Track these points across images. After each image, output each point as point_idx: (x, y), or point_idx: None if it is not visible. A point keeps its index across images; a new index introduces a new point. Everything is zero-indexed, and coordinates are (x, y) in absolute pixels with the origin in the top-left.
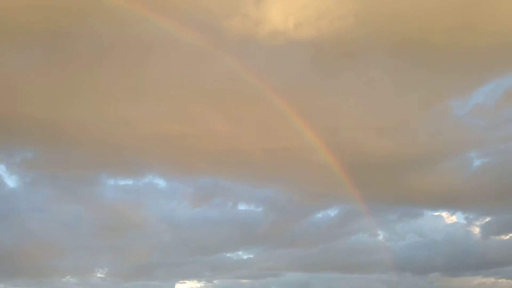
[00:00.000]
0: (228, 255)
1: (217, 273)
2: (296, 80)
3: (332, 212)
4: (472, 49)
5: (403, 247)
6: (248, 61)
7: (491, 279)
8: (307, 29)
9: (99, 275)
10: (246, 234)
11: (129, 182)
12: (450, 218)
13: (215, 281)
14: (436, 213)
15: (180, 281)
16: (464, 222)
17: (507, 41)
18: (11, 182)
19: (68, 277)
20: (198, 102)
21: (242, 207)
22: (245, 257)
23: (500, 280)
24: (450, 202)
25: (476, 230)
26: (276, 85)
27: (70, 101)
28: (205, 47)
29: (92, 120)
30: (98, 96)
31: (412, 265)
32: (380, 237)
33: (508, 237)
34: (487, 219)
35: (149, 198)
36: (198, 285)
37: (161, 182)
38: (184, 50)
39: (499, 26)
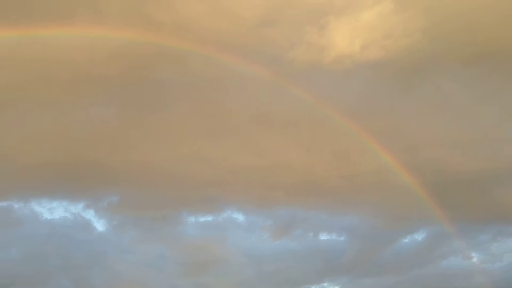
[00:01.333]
0: (313, 287)
1: None
2: (367, 101)
3: (419, 236)
4: None
5: (501, 268)
6: (316, 88)
7: None
8: (374, 49)
9: None
10: (330, 265)
11: (209, 218)
12: None
13: None
14: None
15: None
16: None
17: None
18: (99, 226)
19: None
20: (271, 134)
21: (323, 237)
22: None
23: None
24: None
25: None
26: (347, 109)
27: (148, 144)
28: (272, 79)
29: (170, 160)
30: (174, 137)
31: None
32: (474, 259)
33: None
34: None
35: (229, 233)
36: None
37: (239, 216)
38: (253, 84)
39: None
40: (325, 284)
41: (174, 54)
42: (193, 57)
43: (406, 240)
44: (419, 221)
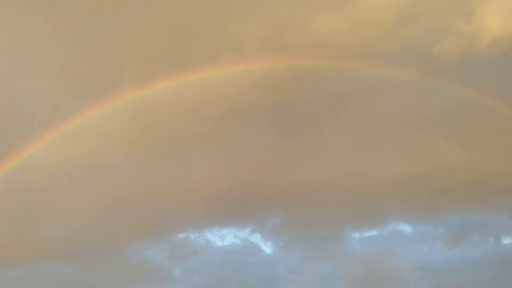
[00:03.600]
0: None
1: None
2: None
3: None
4: None
5: None
6: (472, 80)
7: None
8: None
9: None
10: None
11: (374, 232)
12: None
13: None
14: None
15: None
16: None
17: None
18: (267, 248)
19: None
20: (428, 136)
21: (506, 240)
22: None
23: None
24: None
25: None
26: (510, 96)
27: (303, 165)
28: (421, 79)
29: (327, 177)
30: (327, 154)
31: None
32: None
33: None
34: None
35: (398, 246)
36: None
37: (406, 228)
38: (400, 88)
39: None
40: None
41: (314, 73)
42: (334, 72)
43: None
44: None
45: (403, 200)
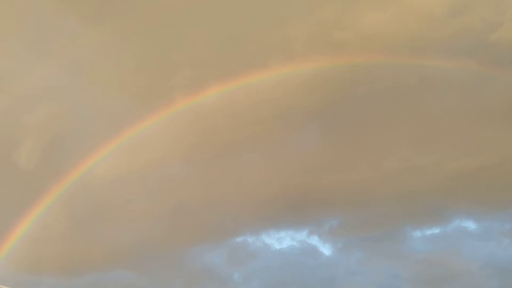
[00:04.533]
0: None
1: None
2: None
3: None
4: None
5: None
6: None
7: None
8: None
9: None
10: None
11: (436, 230)
12: None
13: None
14: None
15: None
16: None
17: None
18: (325, 250)
19: None
20: (489, 128)
21: None
22: None
23: None
24: None
25: None
26: None
27: (359, 163)
28: (478, 69)
29: (384, 175)
30: (383, 151)
31: None
32: None
33: None
34: None
35: (462, 243)
36: None
37: (470, 224)
38: (456, 80)
39: None
40: None
41: (366, 69)
42: (386, 68)
43: None
44: None
45: (466, 196)
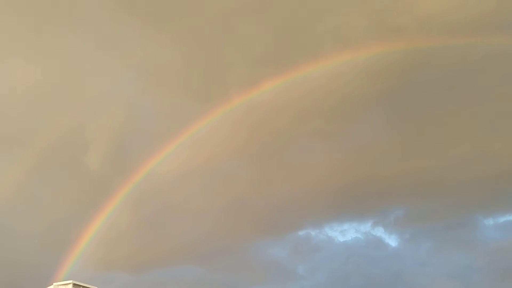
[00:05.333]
0: None
1: None
2: None
3: None
4: None
5: None
6: None
7: None
8: None
9: None
10: None
11: (510, 217)
12: None
13: None
14: None
15: None
16: None
17: None
18: (392, 241)
19: None
20: None
21: None
22: None
23: None
24: None
25: None
26: None
27: (424, 150)
28: None
29: (451, 161)
30: (449, 136)
31: None
32: None
33: None
34: None
35: None
36: None
37: None
38: None
39: None
40: None
41: (426, 53)
42: (448, 50)
43: None
44: None
45: None
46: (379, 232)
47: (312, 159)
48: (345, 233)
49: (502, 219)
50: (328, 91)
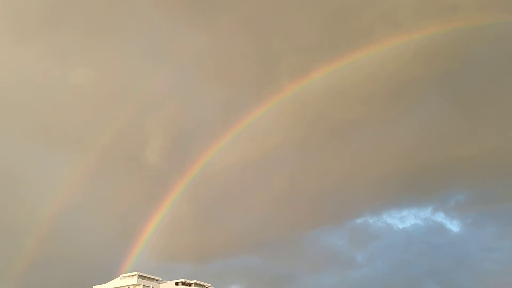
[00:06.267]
0: None
1: None
2: None
3: None
4: None
5: None
6: None
7: None
8: None
9: None
10: None
11: None
12: None
13: None
14: None
15: None
16: None
17: None
18: (453, 227)
19: None
20: None
21: None
22: None
23: None
24: None
25: None
26: None
27: (484, 133)
28: None
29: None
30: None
31: None
32: None
33: None
34: None
35: None
36: None
37: None
38: None
39: None
40: None
41: (484, 30)
42: (506, 25)
43: None
44: None
45: None
46: (440, 217)
47: (369, 146)
48: (404, 219)
49: None
50: (383, 75)
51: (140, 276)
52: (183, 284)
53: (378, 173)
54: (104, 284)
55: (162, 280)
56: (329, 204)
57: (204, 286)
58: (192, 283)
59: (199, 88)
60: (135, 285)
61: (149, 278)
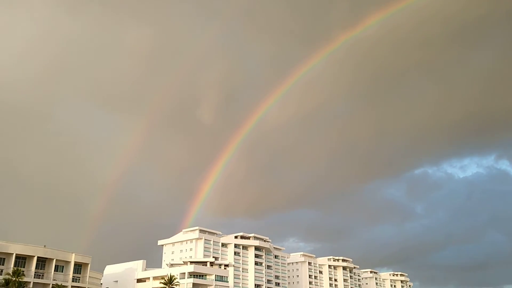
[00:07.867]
0: None
1: None
2: None
3: None
4: None
5: None
6: None
7: None
8: None
9: None
10: None
11: None
12: None
13: None
14: None
15: None
16: None
17: None
18: None
19: None
20: None
21: None
22: None
23: None
24: None
25: None
26: None
27: None
28: None
29: None
30: None
31: None
32: None
33: None
34: None
35: None
36: None
37: None
38: None
39: None
40: None
41: None
42: None
43: None
44: None
45: None
46: (504, 165)
47: (425, 93)
48: (466, 168)
49: None
50: (442, 17)
51: (201, 231)
52: (242, 237)
53: (436, 121)
54: (168, 238)
55: (221, 234)
56: (387, 155)
57: (262, 239)
58: (250, 237)
59: (249, 44)
60: (197, 239)
61: (209, 232)
